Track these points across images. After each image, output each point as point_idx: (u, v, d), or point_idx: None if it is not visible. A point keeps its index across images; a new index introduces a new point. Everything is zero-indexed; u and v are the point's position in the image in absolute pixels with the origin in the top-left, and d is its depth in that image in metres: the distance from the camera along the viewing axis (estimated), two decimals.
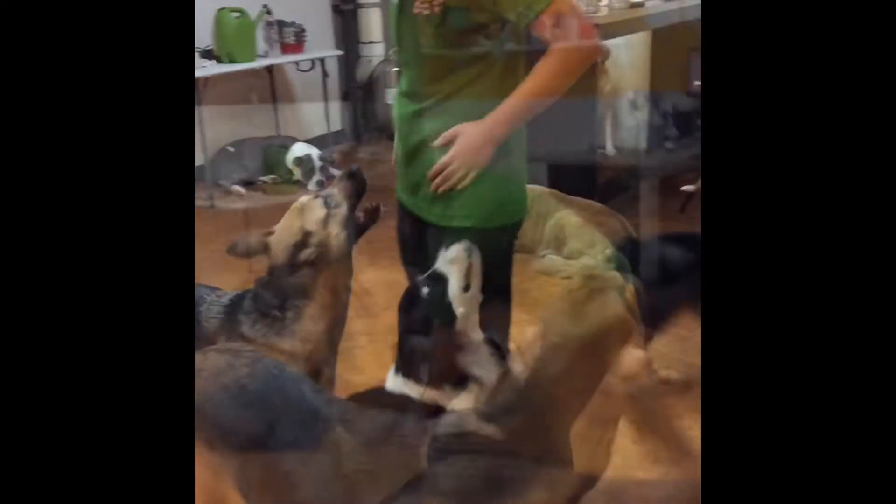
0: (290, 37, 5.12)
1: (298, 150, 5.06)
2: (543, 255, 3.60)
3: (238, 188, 5.15)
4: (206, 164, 5.34)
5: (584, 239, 3.51)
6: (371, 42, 6.08)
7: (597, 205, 3.67)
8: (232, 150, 5.29)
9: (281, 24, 5.11)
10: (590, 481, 1.54)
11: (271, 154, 5.22)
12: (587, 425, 1.43)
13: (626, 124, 4.42)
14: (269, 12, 5.06)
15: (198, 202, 4.92)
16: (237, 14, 4.82)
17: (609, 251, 3.63)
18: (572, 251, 3.59)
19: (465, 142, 1.54)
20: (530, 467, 1.38)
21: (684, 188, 4.18)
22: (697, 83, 4.64)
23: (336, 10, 6.06)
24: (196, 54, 4.88)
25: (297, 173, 4.98)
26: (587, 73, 1.55)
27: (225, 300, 1.87)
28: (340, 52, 5.87)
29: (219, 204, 4.90)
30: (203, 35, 5.09)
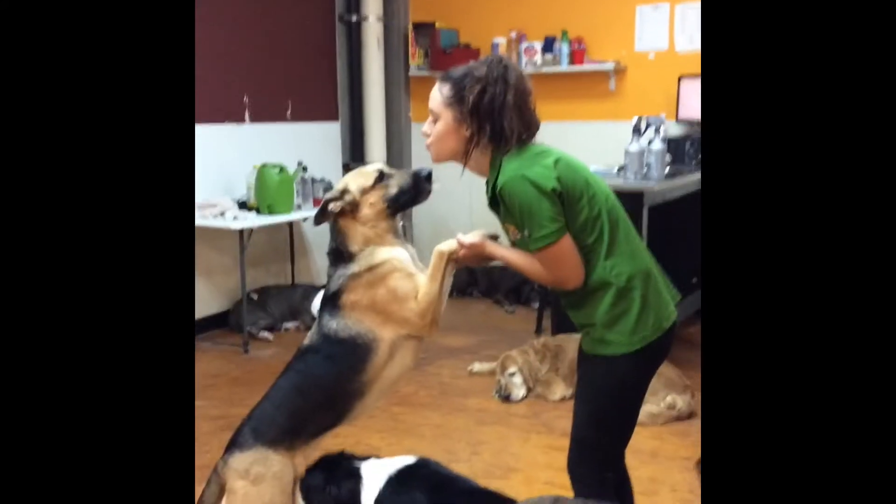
0: (320, 191, 5.41)
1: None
2: None
3: (266, 334, 5.25)
4: (230, 311, 5.45)
5: None
6: None
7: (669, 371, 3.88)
8: (255, 297, 5.42)
9: (313, 180, 5.43)
10: None
11: None
12: None
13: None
14: (305, 169, 5.38)
15: (233, 348, 5.01)
16: (278, 170, 5.11)
17: None
18: None
19: (479, 250, 2.13)
20: None
21: None
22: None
23: (346, 168, 6.45)
24: (234, 205, 5.12)
25: None
26: None
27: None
28: None
29: (253, 351, 4.99)
30: (238, 187, 5.35)
